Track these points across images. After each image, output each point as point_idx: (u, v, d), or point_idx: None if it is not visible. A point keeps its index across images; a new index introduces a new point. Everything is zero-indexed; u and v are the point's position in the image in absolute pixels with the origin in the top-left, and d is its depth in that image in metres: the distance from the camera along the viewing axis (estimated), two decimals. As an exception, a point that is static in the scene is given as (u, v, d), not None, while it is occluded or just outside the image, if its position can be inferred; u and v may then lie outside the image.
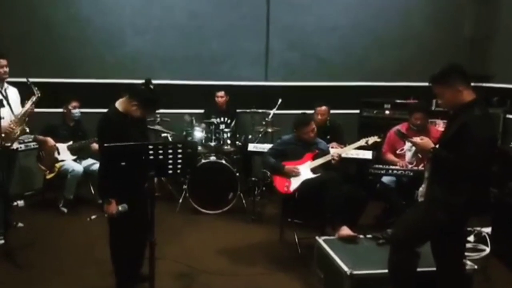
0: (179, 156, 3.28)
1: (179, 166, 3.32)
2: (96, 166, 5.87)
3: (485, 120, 3.10)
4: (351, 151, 5.31)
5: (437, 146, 3.24)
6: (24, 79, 4.98)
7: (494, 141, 3.21)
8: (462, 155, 2.99)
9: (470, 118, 3.03)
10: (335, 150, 5.21)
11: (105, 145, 3.24)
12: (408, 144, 3.49)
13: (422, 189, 3.37)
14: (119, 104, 3.63)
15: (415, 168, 4.89)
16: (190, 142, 5.14)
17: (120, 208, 3.42)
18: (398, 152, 5.27)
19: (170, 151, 3.26)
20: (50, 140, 5.76)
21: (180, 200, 6.12)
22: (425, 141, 3.25)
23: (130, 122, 3.61)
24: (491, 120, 3.20)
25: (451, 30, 7.37)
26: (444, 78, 3.17)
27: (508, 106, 6.54)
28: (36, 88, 4.93)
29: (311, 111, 6.01)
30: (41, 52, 6.78)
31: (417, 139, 3.32)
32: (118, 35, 6.95)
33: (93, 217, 3.41)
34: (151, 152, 3.20)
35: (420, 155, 3.41)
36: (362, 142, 5.06)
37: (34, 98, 4.92)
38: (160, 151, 3.23)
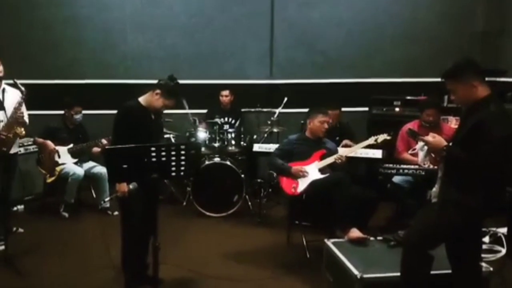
0: (182, 158, 3.28)
1: (182, 168, 3.31)
2: (97, 169, 5.88)
3: (502, 117, 2.99)
4: (361, 150, 5.18)
5: (450, 144, 3.13)
6: (20, 81, 4.78)
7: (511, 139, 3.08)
8: (477, 153, 2.90)
9: (486, 115, 2.94)
10: (342, 150, 5.08)
11: (106, 147, 3.29)
12: (420, 144, 3.38)
13: (435, 189, 3.27)
14: (142, 99, 3.85)
15: (427, 167, 4.74)
16: (193, 144, 5.06)
17: (131, 186, 3.51)
18: (410, 152, 5.12)
19: (173, 152, 3.25)
20: (50, 143, 5.66)
21: (184, 203, 6.07)
22: (437, 139, 3.15)
23: (150, 116, 3.83)
24: (508, 117, 3.09)
25: (462, 23, 7.18)
26: (457, 73, 3.08)
27: (522, 102, 6.34)
28: (23, 89, 4.60)
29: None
30: (40, 53, 6.70)
31: (428, 138, 3.20)
32: (119, 35, 6.85)
33: (106, 199, 3.42)
34: (153, 154, 3.19)
35: (433, 155, 3.31)
36: (371, 140, 4.92)
37: (19, 100, 4.62)
38: (163, 153, 3.22)
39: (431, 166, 4.28)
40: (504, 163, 3.01)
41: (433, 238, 3.15)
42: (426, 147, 3.31)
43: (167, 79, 3.85)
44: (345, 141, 5.59)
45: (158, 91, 3.78)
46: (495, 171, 2.97)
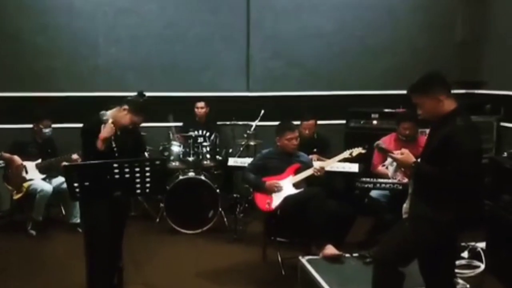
0: (147, 174, 3.21)
1: (147, 185, 3.24)
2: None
3: (469, 131, 2.96)
4: (337, 164, 5.07)
5: (419, 160, 3.09)
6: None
7: (480, 152, 3.06)
8: (446, 168, 2.85)
9: (453, 130, 2.91)
10: (318, 163, 4.98)
11: (65, 164, 3.18)
12: (389, 159, 3.34)
13: (406, 205, 3.23)
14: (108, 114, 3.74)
15: (405, 181, 4.65)
16: (159, 159, 4.94)
17: None
18: (380, 167, 5.02)
19: (137, 169, 3.18)
20: (17, 158, 5.48)
21: (157, 219, 5.90)
22: (405, 156, 3.11)
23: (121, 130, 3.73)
24: (475, 130, 3.05)
25: (441, 35, 7.13)
26: (423, 88, 3.07)
27: (501, 114, 6.32)
28: None
29: (297, 122, 5.70)
30: (8, 63, 6.52)
31: (397, 155, 3.16)
32: (91, 45, 6.68)
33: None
34: (116, 170, 3.12)
35: (403, 169, 3.26)
36: (346, 154, 4.84)
37: None
38: (126, 170, 3.15)
39: (405, 180, 4.22)
40: (475, 177, 2.96)
41: (404, 255, 3.08)
42: (395, 163, 3.26)
43: (136, 95, 3.76)
44: (314, 156, 5.48)
45: (126, 107, 3.68)
46: (465, 186, 2.91)
